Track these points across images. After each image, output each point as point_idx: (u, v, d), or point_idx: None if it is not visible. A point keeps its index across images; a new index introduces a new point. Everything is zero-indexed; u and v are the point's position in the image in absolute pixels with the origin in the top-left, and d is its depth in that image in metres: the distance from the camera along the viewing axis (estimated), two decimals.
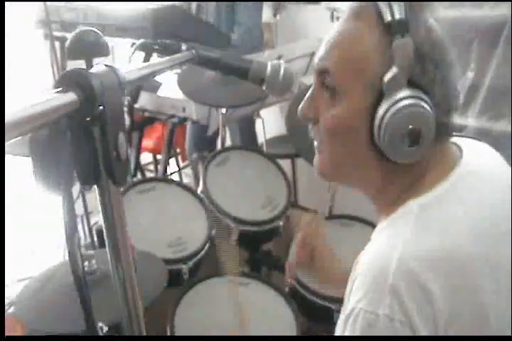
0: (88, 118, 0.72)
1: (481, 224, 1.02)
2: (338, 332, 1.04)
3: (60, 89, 0.68)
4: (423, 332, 0.91)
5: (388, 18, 0.95)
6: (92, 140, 0.73)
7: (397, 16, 0.94)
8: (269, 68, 1.25)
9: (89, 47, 1.88)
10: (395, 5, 0.95)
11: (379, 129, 0.96)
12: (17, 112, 0.60)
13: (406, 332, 0.91)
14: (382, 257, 0.96)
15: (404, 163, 1.00)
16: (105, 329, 0.81)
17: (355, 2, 1.02)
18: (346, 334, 0.97)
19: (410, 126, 0.95)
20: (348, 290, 1.02)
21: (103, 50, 1.92)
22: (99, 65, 0.76)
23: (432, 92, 0.97)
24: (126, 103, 2.51)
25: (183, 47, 1.22)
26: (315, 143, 1.10)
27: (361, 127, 0.99)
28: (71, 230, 0.73)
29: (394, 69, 0.94)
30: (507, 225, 1.08)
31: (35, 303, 1.68)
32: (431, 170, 1.04)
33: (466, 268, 0.96)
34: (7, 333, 2.39)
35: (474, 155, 1.11)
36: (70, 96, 0.67)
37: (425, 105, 0.95)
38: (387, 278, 0.92)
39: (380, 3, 0.96)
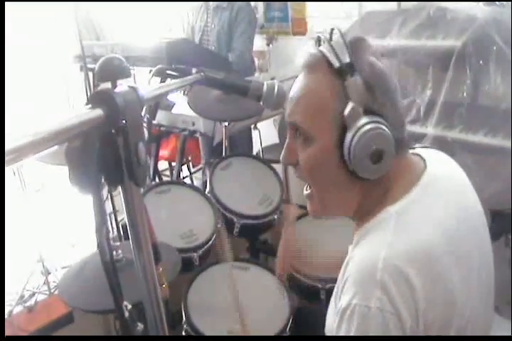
0: (113, 130, 0.71)
1: (449, 223, 1.01)
2: (331, 324, 1.03)
3: (90, 106, 0.67)
4: (408, 320, 0.91)
5: (336, 64, 0.96)
6: (116, 148, 0.72)
7: (344, 61, 0.95)
8: (265, 87, 1.24)
9: (113, 70, 1.87)
10: (339, 51, 0.96)
11: (348, 155, 0.96)
12: (55, 125, 0.59)
13: (395, 321, 0.91)
14: (369, 258, 0.95)
15: (374, 178, 0.99)
16: (129, 306, 0.79)
17: (306, 56, 1.02)
18: (343, 326, 0.96)
19: (373, 147, 0.95)
20: (339, 287, 1.01)
21: (125, 73, 1.91)
22: (122, 86, 0.75)
23: (385, 115, 0.97)
24: (145, 120, 2.51)
25: (193, 70, 1.21)
26: (304, 191, 1.09)
27: (333, 157, 0.99)
28: (100, 223, 0.72)
29: (350, 104, 0.94)
30: (471, 222, 1.08)
31: (75, 286, 1.68)
32: (399, 179, 1.03)
33: (438, 261, 0.96)
34: (52, 312, 2.39)
35: (436, 163, 1.10)
36: (98, 112, 0.67)
37: (382, 126, 0.95)
38: (376, 275, 0.91)
39: (326, 53, 0.97)
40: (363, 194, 1.05)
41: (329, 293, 1.79)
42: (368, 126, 0.94)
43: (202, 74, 1.20)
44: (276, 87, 1.25)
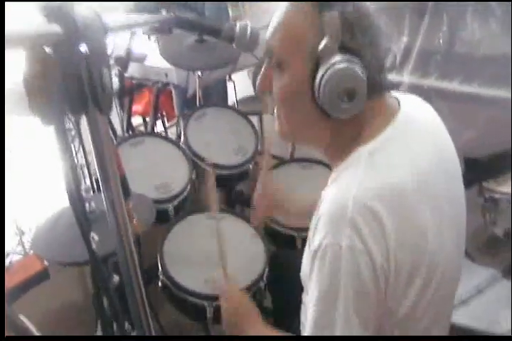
0: (74, 53, 0.67)
1: (422, 163, 1.02)
2: (307, 266, 1.04)
3: (46, 19, 0.63)
4: (379, 258, 0.92)
5: None
6: (79, 74, 0.69)
7: None
8: (238, 27, 1.22)
9: None
10: None
11: (318, 91, 0.95)
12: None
13: (366, 259, 0.92)
14: (340, 197, 0.95)
15: (343, 118, 0.99)
16: (96, 238, 0.77)
17: None
18: (316, 266, 0.97)
19: (343, 86, 0.93)
20: (313, 227, 1.02)
21: None
22: (81, 7, 0.71)
23: (362, 55, 0.95)
24: (117, 72, 2.45)
25: (163, 11, 1.18)
26: (275, 110, 1.10)
27: (305, 91, 0.99)
28: (64, 152, 0.69)
29: (325, 39, 0.93)
30: (444, 165, 1.08)
31: (49, 240, 1.65)
32: (372, 120, 1.03)
33: (408, 201, 0.97)
34: (28, 271, 2.38)
35: (411, 106, 1.10)
36: (55, 28, 0.63)
37: (355, 67, 0.94)
38: (346, 213, 0.92)
39: None
40: (334, 132, 1.05)
41: (305, 241, 1.79)
42: (341, 65, 0.93)
43: (172, 14, 1.17)
44: (249, 28, 1.23)
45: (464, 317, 1.86)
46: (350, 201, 0.92)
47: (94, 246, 0.76)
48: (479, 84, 2.06)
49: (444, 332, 1.20)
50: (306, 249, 1.10)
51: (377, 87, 1.00)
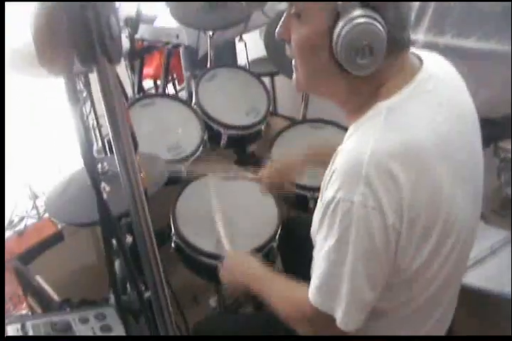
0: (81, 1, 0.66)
1: (440, 121, 1.01)
2: (317, 219, 1.03)
3: None
4: (391, 216, 0.92)
5: None
6: (86, 22, 0.67)
7: None
8: None
9: None
10: None
11: (336, 45, 0.94)
12: None
13: (377, 216, 0.92)
14: (356, 152, 0.95)
15: (360, 74, 0.97)
16: (107, 188, 0.77)
17: None
18: (327, 220, 0.97)
19: (362, 42, 0.92)
20: (326, 180, 1.01)
21: None
22: None
23: (385, 11, 0.93)
24: (127, 34, 2.42)
25: None
26: (293, 61, 1.08)
27: (323, 44, 0.96)
28: (74, 101, 0.68)
29: None
30: (463, 124, 1.07)
31: (62, 203, 1.66)
32: (393, 78, 1.01)
33: (425, 159, 0.96)
34: (42, 234, 2.40)
35: (432, 64, 1.08)
36: None
37: (376, 23, 0.91)
38: (361, 169, 0.91)
39: None
40: (351, 87, 1.03)
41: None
42: (360, 20, 0.91)
43: None
44: None
45: (476, 278, 1.86)
46: (366, 156, 0.92)
47: (105, 196, 0.75)
48: (497, 41, 2.00)
49: (454, 294, 1.21)
50: (318, 202, 1.10)
51: (398, 44, 0.98)
